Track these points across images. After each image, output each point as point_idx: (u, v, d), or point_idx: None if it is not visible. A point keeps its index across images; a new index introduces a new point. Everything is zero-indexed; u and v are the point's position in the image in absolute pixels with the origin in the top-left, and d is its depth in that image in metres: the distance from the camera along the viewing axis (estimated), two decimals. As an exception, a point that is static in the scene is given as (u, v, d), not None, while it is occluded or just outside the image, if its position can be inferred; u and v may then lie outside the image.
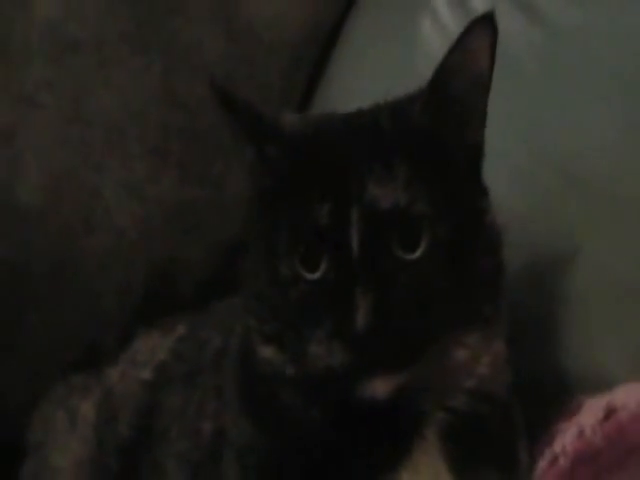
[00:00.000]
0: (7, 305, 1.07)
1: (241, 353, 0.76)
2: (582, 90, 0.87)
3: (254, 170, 0.72)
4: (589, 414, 0.74)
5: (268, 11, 1.13)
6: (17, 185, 1.06)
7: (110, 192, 1.09)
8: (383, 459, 0.69)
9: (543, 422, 0.77)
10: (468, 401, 0.70)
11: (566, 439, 0.74)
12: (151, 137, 1.11)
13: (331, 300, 0.65)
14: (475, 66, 0.69)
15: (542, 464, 0.75)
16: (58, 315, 1.09)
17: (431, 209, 0.66)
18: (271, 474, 0.71)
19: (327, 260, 0.66)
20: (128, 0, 1.08)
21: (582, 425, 0.74)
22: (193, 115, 1.11)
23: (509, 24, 0.94)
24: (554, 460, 0.74)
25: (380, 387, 0.65)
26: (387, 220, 0.65)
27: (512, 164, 0.90)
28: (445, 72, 0.69)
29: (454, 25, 1.02)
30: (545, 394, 0.82)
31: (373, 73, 1.11)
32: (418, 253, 0.66)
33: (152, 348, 0.93)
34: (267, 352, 0.71)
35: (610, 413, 0.73)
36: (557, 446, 0.74)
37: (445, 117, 0.69)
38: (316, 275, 0.66)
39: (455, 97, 0.69)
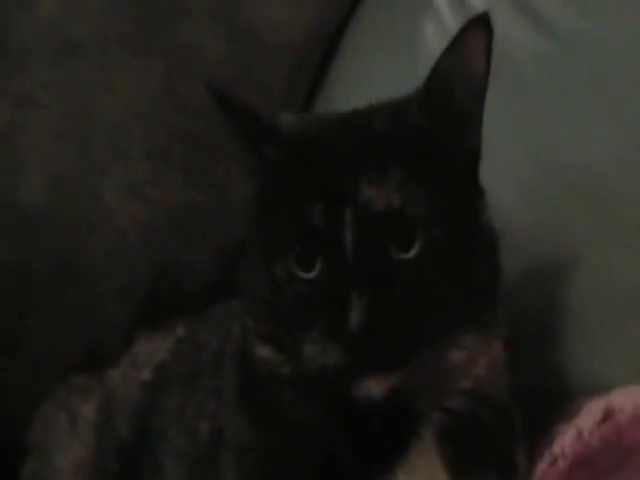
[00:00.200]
0: (8, 306, 1.08)
1: (239, 353, 0.76)
2: (587, 100, 0.87)
3: (252, 171, 0.72)
4: (587, 416, 0.74)
5: (270, 13, 1.13)
6: (18, 186, 1.07)
7: (112, 194, 1.09)
8: (380, 459, 0.69)
9: (543, 425, 0.77)
10: (465, 402, 0.70)
11: (565, 441, 0.74)
12: (153, 139, 1.11)
13: (325, 300, 0.65)
14: (470, 67, 0.69)
15: (541, 466, 0.74)
16: (59, 317, 1.09)
17: (425, 210, 0.66)
18: (269, 473, 0.72)
19: (322, 260, 0.66)
20: (129, 1, 1.08)
21: (580, 427, 0.74)
22: (195, 117, 1.10)
23: (513, 32, 0.94)
24: (553, 462, 0.74)
25: (375, 387, 0.65)
26: (381, 221, 0.65)
27: (517, 175, 0.90)
28: (440, 73, 0.69)
29: (457, 28, 1.02)
30: (545, 398, 0.82)
31: (376, 75, 1.11)
32: (412, 254, 0.66)
33: (153, 349, 0.93)
34: (264, 352, 0.71)
35: (608, 415, 0.73)
36: (556, 448, 0.74)
37: (440, 118, 0.69)
38: (311, 275, 0.66)
39: (450, 98, 0.69)
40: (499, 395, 0.73)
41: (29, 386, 1.08)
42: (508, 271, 0.72)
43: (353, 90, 1.13)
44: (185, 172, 1.12)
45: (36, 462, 0.96)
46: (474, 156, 0.71)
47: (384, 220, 0.65)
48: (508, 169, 0.89)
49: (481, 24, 0.68)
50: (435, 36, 1.06)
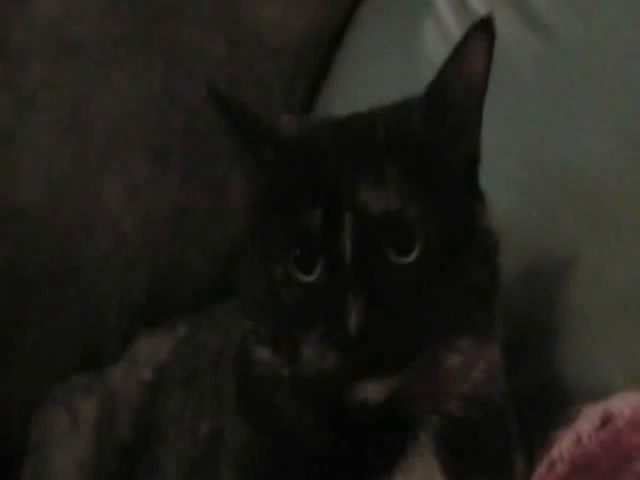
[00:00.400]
0: (6, 308, 1.07)
1: (238, 354, 0.76)
2: (582, 102, 0.87)
3: (251, 172, 0.72)
4: (586, 421, 0.74)
5: (270, 14, 1.13)
6: (16, 187, 1.06)
7: (110, 195, 1.09)
8: (378, 461, 0.69)
9: (542, 431, 0.77)
10: (462, 406, 0.70)
11: (563, 445, 0.74)
12: (152, 140, 1.10)
13: (324, 303, 0.65)
14: (473, 73, 0.69)
15: (540, 470, 0.74)
16: (57, 319, 1.09)
17: (424, 214, 0.66)
18: (267, 475, 0.72)
19: (321, 263, 0.66)
20: (128, 1, 1.08)
21: (579, 432, 0.74)
22: (194, 118, 1.10)
23: (510, 32, 0.94)
24: (551, 466, 0.74)
25: (372, 390, 0.65)
26: (380, 225, 0.65)
27: (511, 177, 0.90)
28: (444, 80, 0.69)
29: (457, 30, 1.02)
30: (544, 403, 0.82)
31: (376, 77, 1.11)
32: (411, 258, 0.66)
33: (154, 348, 0.94)
34: (263, 354, 0.71)
35: (606, 420, 0.72)
36: (555, 452, 0.74)
37: (441, 123, 0.69)
38: (310, 278, 0.66)
39: (452, 104, 0.69)
40: (496, 399, 0.73)
41: (27, 387, 1.07)
42: (504, 272, 0.72)
43: (353, 90, 1.13)
44: (184, 173, 1.12)
45: (36, 461, 0.96)
46: (473, 160, 0.71)
47: (383, 224, 0.65)
48: (504, 170, 0.89)
49: (485, 29, 0.68)
50: (435, 36, 1.06)
